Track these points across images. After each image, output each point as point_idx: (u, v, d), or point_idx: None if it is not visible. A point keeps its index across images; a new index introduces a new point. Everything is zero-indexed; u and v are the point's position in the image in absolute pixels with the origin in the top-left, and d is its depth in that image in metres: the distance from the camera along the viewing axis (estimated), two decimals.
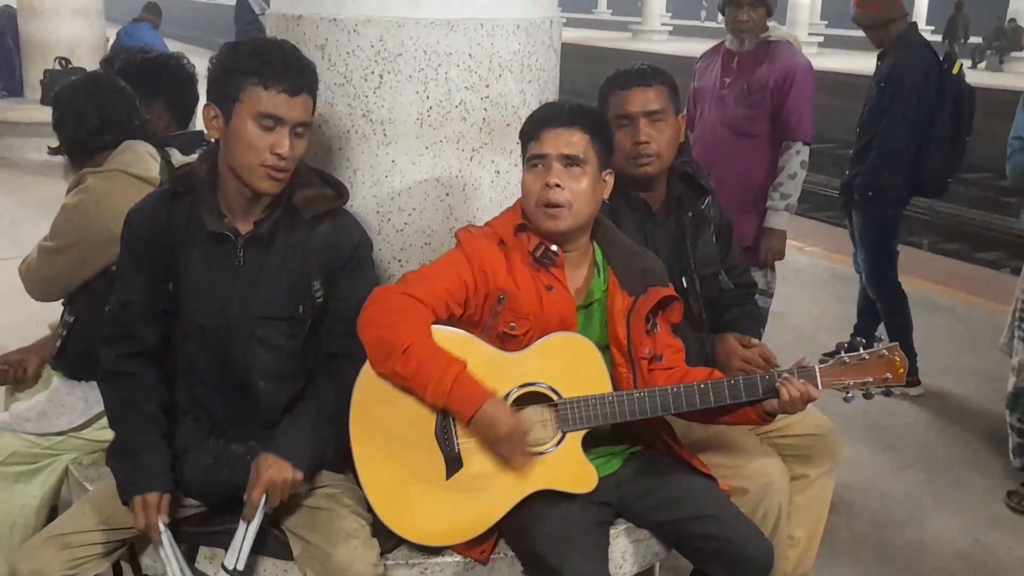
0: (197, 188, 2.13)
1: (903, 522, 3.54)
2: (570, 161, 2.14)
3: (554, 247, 2.17)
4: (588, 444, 2.15)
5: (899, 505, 3.66)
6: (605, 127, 2.24)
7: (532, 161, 2.17)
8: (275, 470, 2.03)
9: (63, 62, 8.54)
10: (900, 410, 4.41)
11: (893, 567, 3.27)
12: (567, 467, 2.12)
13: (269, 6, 2.62)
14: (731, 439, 2.49)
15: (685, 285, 2.57)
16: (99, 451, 2.54)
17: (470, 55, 2.36)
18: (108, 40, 9.62)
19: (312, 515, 2.12)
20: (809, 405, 2.58)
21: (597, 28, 32.83)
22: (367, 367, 2.11)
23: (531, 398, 2.14)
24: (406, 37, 2.32)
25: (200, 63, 2.77)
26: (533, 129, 2.18)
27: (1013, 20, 21.17)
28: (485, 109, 2.40)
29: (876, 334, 4.69)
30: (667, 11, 29.62)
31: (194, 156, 2.65)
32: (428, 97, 2.35)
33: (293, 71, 2.04)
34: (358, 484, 2.15)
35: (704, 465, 2.28)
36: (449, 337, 2.10)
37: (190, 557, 2.18)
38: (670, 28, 28.23)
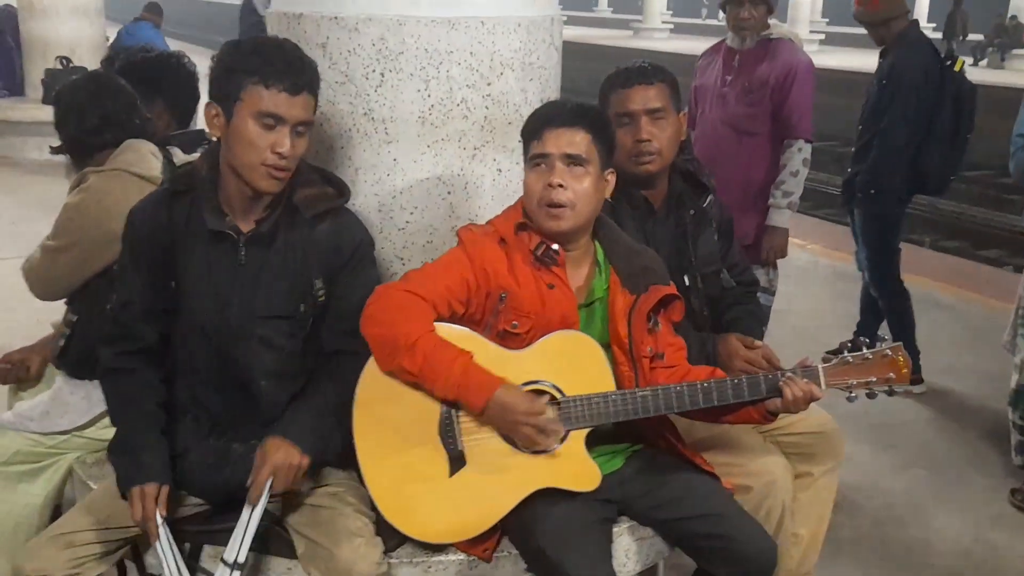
0: (198, 187, 2.13)
1: (905, 520, 3.54)
2: (573, 161, 2.14)
3: (555, 246, 2.16)
4: (591, 442, 2.15)
5: (901, 503, 3.65)
6: (607, 126, 2.24)
7: (534, 160, 2.16)
8: (282, 454, 2.03)
9: (64, 61, 8.55)
10: (902, 408, 4.41)
11: (895, 565, 3.27)
12: (570, 465, 2.12)
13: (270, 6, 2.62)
14: (734, 437, 2.49)
15: (687, 283, 2.57)
16: (102, 450, 2.53)
17: (471, 53, 2.36)
18: (108, 39, 9.62)
19: (316, 513, 2.12)
20: (813, 404, 2.59)
21: (598, 26, 32.82)
22: (370, 365, 2.12)
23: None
24: (407, 35, 2.32)
25: (201, 62, 2.77)
26: (535, 128, 2.17)
27: (1015, 17, 21.15)
28: (486, 107, 2.40)
29: (879, 332, 4.70)
30: (668, 9, 29.62)
31: (196, 155, 2.65)
32: (430, 95, 2.35)
33: (294, 70, 2.04)
34: (361, 482, 2.15)
35: (707, 463, 2.28)
36: (452, 334, 2.10)
37: (194, 556, 2.18)
38: (671, 26, 28.22)
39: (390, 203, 2.41)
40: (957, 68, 4.41)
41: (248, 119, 2.02)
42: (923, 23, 22.77)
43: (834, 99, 11.78)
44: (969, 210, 10.74)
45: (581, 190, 2.14)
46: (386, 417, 2.13)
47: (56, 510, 2.57)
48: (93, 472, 2.49)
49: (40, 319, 2.94)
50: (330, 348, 2.18)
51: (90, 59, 8.31)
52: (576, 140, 2.14)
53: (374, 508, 2.13)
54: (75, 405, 2.55)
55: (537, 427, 2.06)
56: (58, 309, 2.70)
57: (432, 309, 2.10)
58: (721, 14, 4.19)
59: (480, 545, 2.14)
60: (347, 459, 2.18)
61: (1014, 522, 3.55)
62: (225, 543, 2.04)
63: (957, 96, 4.40)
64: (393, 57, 2.32)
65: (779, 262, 4.07)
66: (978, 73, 14.92)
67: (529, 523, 2.08)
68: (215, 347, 2.14)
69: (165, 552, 2.03)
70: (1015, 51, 20.50)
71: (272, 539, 2.15)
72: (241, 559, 2.00)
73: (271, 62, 2.02)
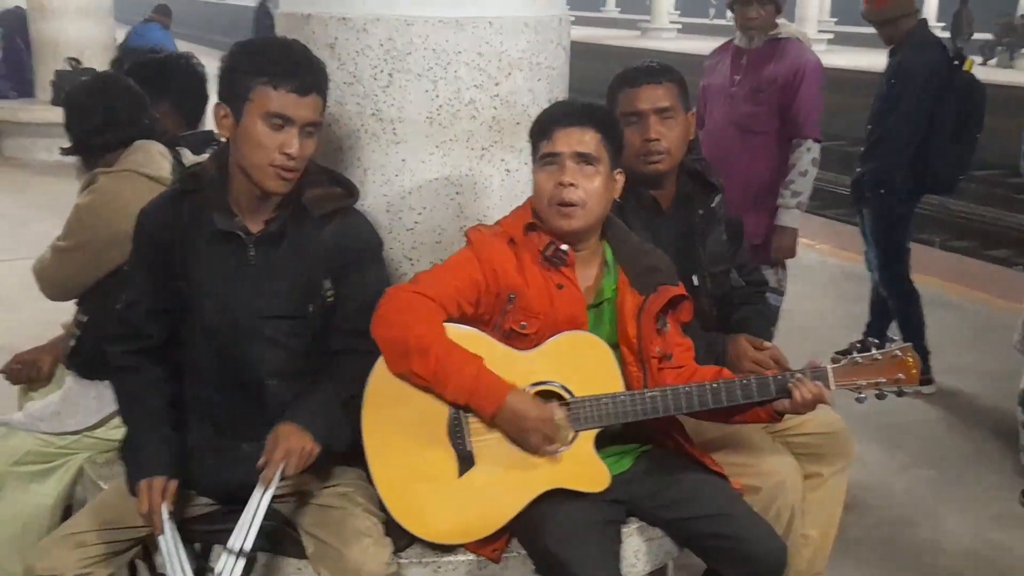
0: (207, 187, 2.14)
1: (914, 520, 3.53)
2: (583, 159, 2.14)
3: (564, 246, 2.16)
4: (599, 443, 2.15)
5: (910, 503, 3.65)
6: (615, 125, 2.24)
7: (545, 160, 2.16)
8: (295, 439, 2.02)
9: (73, 63, 8.58)
10: (910, 408, 4.39)
11: (904, 565, 3.26)
12: (579, 466, 2.12)
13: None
14: (743, 438, 2.49)
15: (695, 283, 2.56)
16: (113, 450, 2.55)
17: (479, 53, 2.36)
18: (117, 40, 9.66)
19: (325, 514, 2.12)
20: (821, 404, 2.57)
21: (605, 26, 32.78)
22: (379, 366, 2.12)
23: (543, 397, 2.13)
24: (415, 36, 2.32)
25: (209, 63, 2.78)
26: (545, 127, 2.17)
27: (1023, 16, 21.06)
28: (495, 107, 2.40)
29: (888, 332, 4.68)
30: (676, 9, 29.53)
31: (205, 155, 2.65)
32: (437, 96, 2.35)
33: (302, 71, 2.05)
34: (371, 483, 2.15)
35: (716, 463, 2.27)
36: (461, 335, 2.11)
37: (203, 556, 2.19)
38: (679, 26, 28.16)
39: (398, 203, 2.41)
40: (966, 67, 4.40)
41: (257, 120, 2.02)
42: (932, 22, 22.67)
43: (842, 98, 11.75)
44: (978, 210, 10.70)
45: (592, 189, 2.14)
46: (395, 417, 2.13)
47: (67, 510, 2.58)
48: (103, 472, 2.50)
49: (50, 320, 2.95)
50: (337, 347, 2.19)
51: (99, 60, 8.33)
52: (586, 139, 2.14)
53: (383, 508, 2.13)
54: (85, 405, 2.56)
55: (546, 434, 2.07)
56: (68, 309, 2.71)
57: (442, 311, 2.10)
58: (729, 14, 4.19)
59: (489, 545, 2.14)
60: (355, 458, 2.18)
61: (1023, 522, 3.54)
62: None
63: (966, 95, 4.39)
64: (401, 58, 2.33)
65: (788, 262, 4.06)
66: (987, 72, 14.86)
67: (538, 523, 2.08)
68: (223, 347, 2.15)
69: (169, 546, 2.03)
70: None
71: (282, 539, 2.15)
72: (248, 547, 1.98)
73: (280, 63, 2.03)
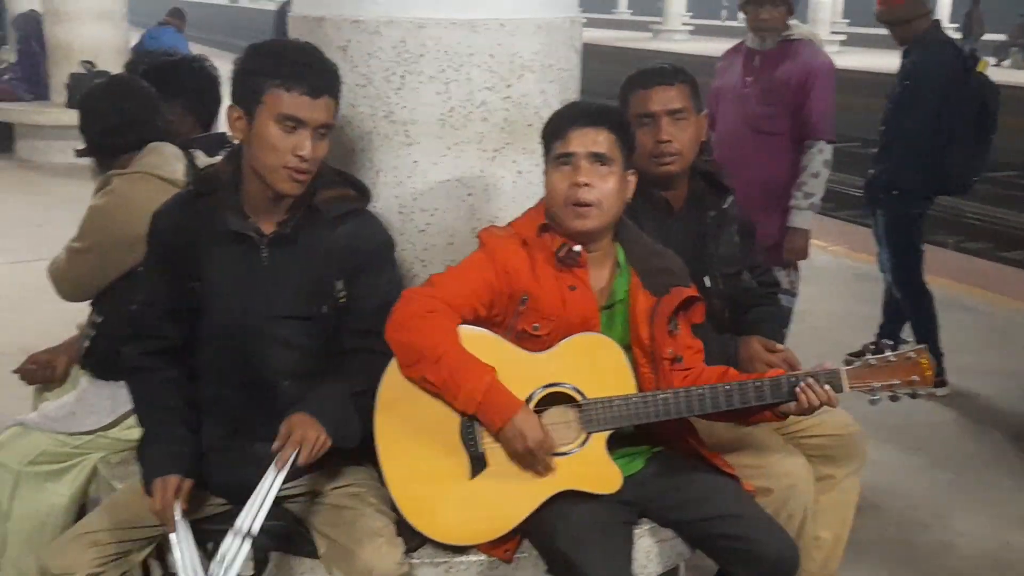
0: (221, 189, 2.15)
1: (929, 523, 3.51)
2: (598, 160, 2.14)
3: (577, 247, 2.16)
4: (611, 444, 2.15)
5: (925, 506, 3.63)
6: (628, 126, 2.25)
7: (559, 160, 2.16)
8: (310, 428, 2.02)
9: (88, 65, 8.62)
10: (925, 410, 4.37)
11: (919, 568, 3.25)
12: (592, 467, 2.12)
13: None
14: (756, 439, 2.48)
15: (707, 284, 2.56)
16: (127, 450, 2.56)
17: (491, 55, 2.36)
18: (130, 43, 9.71)
19: (337, 514, 2.13)
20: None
21: (617, 28, 32.75)
22: (392, 368, 2.12)
23: (555, 398, 2.14)
24: (427, 38, 2.32)
25: (223, 66, 2.79)
26: (559, 128, 2.17)
27: None
28: (506, 109, 2.40)
29: (902, 334, 4.66)
30: (687, 10, 29.45)
31: (218, 157, 2.67)
32: (450, 98, 2.35)
33: (315, 73, 2.05)
34: (382, 483, 2.16)
35: (728, 465, 2.27)
36: (474, 336, 2.11)
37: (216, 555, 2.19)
38: (691, 28, 28.10)
39: (410, 205, 2.41)
40: (980, 68, 4.38)
41: (269, 122, 2.03)
42: (945, 23, 22.58)
43: (855, 100, 11.71)
44: (992, 211, 10.64)
45: (607, 189, 2.14)
46: (407, 419, 2.13)
47: (81, 510, 2.59)
48: (118, 472, 2.51)
49: (65, 320, 2.97)
50: (349, 347, 2.19)
51: (113, 63, 8.36)
52: (600, 139, 2.14)
53: (395, 508, 2.14)
54: (100, 406, 2.57)
55: (539, 462, 2.07)
56: (83, 310, 2.73)
57: (458, 316, 2.11)
58: (741, 15, 4.18)
59: (501, 546, 2.14)
60: (365, 458, 2.19)
61: None
62: (254, 543, 2.04)
63: (980, 96, 4.37)
64: (413, 60, 2.33)
65: (800, 263, 4.05)
66: (1001, 73, 14.78)
67: (549, 524, 2.08)
68: (237, 348, 2.15)
69: (181, 545, 2.03)
70: None
71: (294, 539, 2.16)
72: (255, 529, 1.97)
73: (292, 65, 2.04)
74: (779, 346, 2.54)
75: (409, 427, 2.13)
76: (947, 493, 3.73)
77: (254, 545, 2.08)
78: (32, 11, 10.50)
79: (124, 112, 2.64)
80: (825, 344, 4.47)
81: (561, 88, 2.50)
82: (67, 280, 2.64)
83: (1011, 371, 4.76)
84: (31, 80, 10.05)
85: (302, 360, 2.17)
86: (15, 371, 2.83)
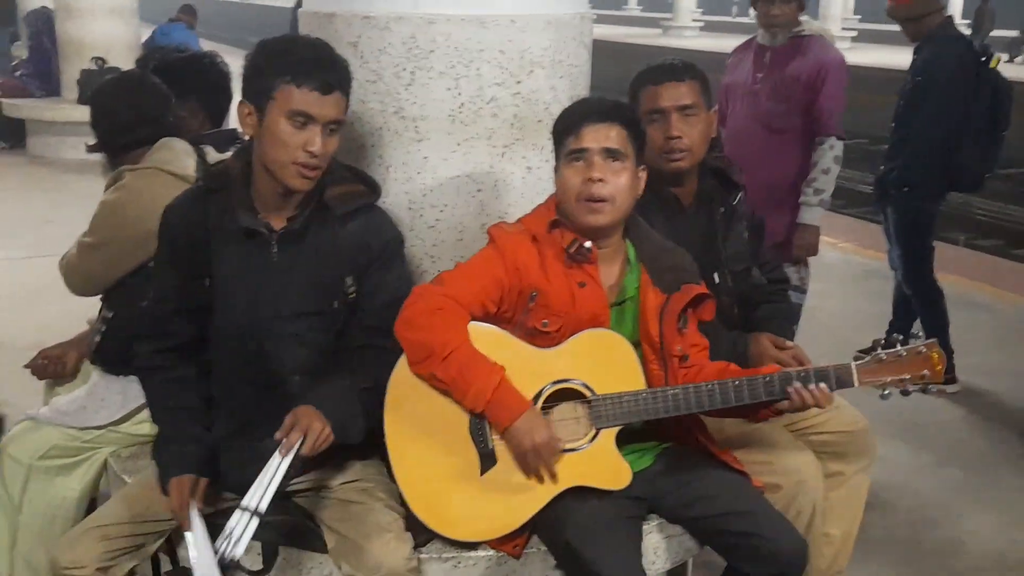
0: (231, 185, 2.15)
1: (938, 520, 3.50)
2: (611, 156, 2.14)
3: (588, 243, 2.16)
4: (620, 440, 2.15)
5: (934, 503, 3.62)
6: (639, 122, 2.25)
7: (572, 156, 2.16)
8: (315, 420, 2.01)
9: (99, 62, 8.65)
10: (935, 408, 4.36)
11: (928, 566, 3.24)
12: (601, 464, 2.12)
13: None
14: (764, 435, 2.48)
15: (716, 281, 2.56)
16: (137, 444, 2.58)
17: (501, 51, 2.36)
18: (141, 40, 9.74)
19: (346, 509, 2.14)
20: (844, 402, 2.56)
21: (627, 24, 32.70)
22: (402, 363, 2.13)
23: (564, 395, 2.14)
24: (438, 34, 2.32)
25: (234, 62, 2.80)
26: (572, 124, 2.17)
27: None
28: (516, 105, 2.40)
29: (912, 331, 4.64)
30: (698, 7, 29.39)
31: (229, 153, 2.67)
32: (460, 94, 2.36)
33: (325, 69, 2.05)
34: (391, 478, 2.16)
35: (737, 461, 2.27)
36: (484, 333, 2.11)
37: None
38: (701, 24, 28.06)
39: (420, 201, 2.42)
40: (992, 64, 4.36)
41: (280, 118, 2.04)
42: (957, 20, 22.45)
43: (866, 96, 11.66)
44: (1003, 208, 10.59)
45: (620, 184, 2.14)
46: (417, 415, 2.14)
47: (91, 504, 2.60)
48: (128, 466, 2.52)
49: (76, 315, 2.99)
50: (357, 343, 2.19)
51: (124, 60, 8.40)
52: (612, 135, 2.14)
53: (404, 504, 2.14)
54: (111, 400, 2.58)
55: (545, 462, 2.08)
56: (94, 306, 2.74)
57: (467, 313, 2.11)
58: (752, 11, 4.17)
59: (510, 541, 2.14)
60: (373, 453, 2.19)
61: None
62: (258, 537, 2.06)
63: (992, 93, 4.35)
64: (424, 55, 2.33)
65: (810, 260, 4.04)
66: (1013, 70, 14.71)
67: (559, 520, 2.08)
68: (248, 343, 2.16)
69: (198, 543, 2.04)
70: None
71: (303, 534, 2.16)
72: (263, 508, 1.97)
73: (303, 62, 2.04)
74: (788, 343, 2.54)
75: (419, 423, 2.14)
76: (956, 491, 3.72)
77: (263, 540, 2.09)
78: (44, 7, 10.55)
79: (135, 108, 2.65)
80: (834, 340, 4.46)
81: (571, 84, 2.50)
82: (78, 275, 2.65)
83: (1021, 369, 4.75)
84: (42, 76, 10.10)
85: (312, 356, 2.17)
86: (26, 366, 2.85)
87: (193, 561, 2.03)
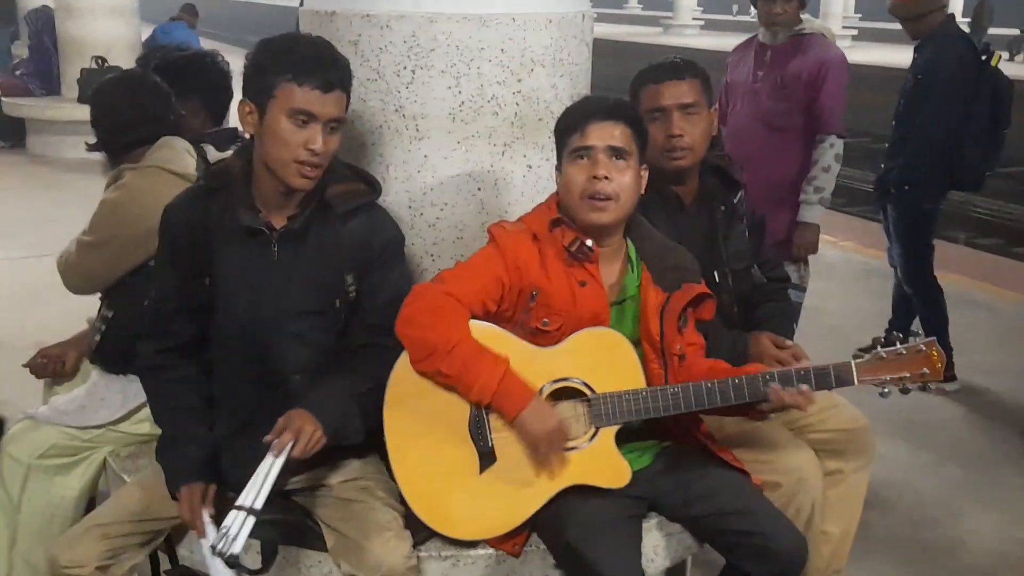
0: (232, 184, 2.15)
1: (938, 519, 3.50)
2: (615, 153, 2.14)
3: (589, 242, 2.16)
4: (620, 439, 2.15)
5: (934, 502, 3.62)
6: (641, 121, 2.25)
7: (576, 154, 2.16)
8: (307, 423, 2.01)
9: (100, 61, 8.65)
10: (935, 406, 4.36)
11: (928, 564, 3.24)
12: (600, 462, 2.13)
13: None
14: (764, 434, 2.48)
15: (717, 279, 2.56)
16: (136, 444, 2.58)
17: (502, 50, 2.36)
18: (142, 39, 9.74)
19: (346, 507, 2.14)
20: (844, 400, 2.56)
21: (628, 23, 32.68)
22: (402, 362, 2.13)
23: (564, 393, 2.14)
24: (438, 32, 2.32)
25: (234, 61, 2.80)
26: (576, 121, 2.17)
27: None
28: (517, 104, 2.40)
29: (912, 329, 4.65)
30: (698, 6, 29.36)
31: (229, 152, 2.67)
32: (460, 92, 2.36)
33: (326, 67, 2.05)
34: (391, 476, 2.16)
35: (737, 459, 2.27)
36: (484, 332, 2.11)
37: None
38: (701, 23, 28.03)
39: (420, 199, 2.42)
40: (993, 63, 4.35)
41: (281, 116, 2.04)
42: (958, 18, 22.44)
43: (867, 95, 11.66)
44: (1004, 206, 10.58)
45: (624, 182, 2.14)
46: (416, 414, 2.14)
47: (90, 503, 2.61)
48: (127, 465, 2.52)
49: (76, 314, 2.99)
50: (359, 342, 2.19)
51: (125, 59, 8.40)
52: (617, 133, 2.15)
53: (404, 502, 2.14)
54: (110, 400, 2.58)
55: (556, 447, 2.08)
56: (93, 304, 2.74)
57: (468, 311, 2.11)
58: (752, 11, 4.17)
59: (509, 540, 2.14)
60: (373, 450, 2.19)
61: None
62: (260, 536, 2.06)
63: (993, 91, 4.34)
64: (424, 54, 2.33)
65: (811, 258, 4.04)
66: (1014, 68, 14.70)
67: (558, 518, 2.08)
68: (249, 342, 2.16)
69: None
70: None
71: (303, 533, 2.16)
72: (258, 506, 1.96)
73: (304, 60, 2.04)
74: (788, 342, 2.54)
75: (418, 422, 2.14)
76: (956, 489, 3.72)
77: (262, 538, 2.09)
78: (44, 6, 10.54)
79: (136, 107, 2.65)
80: (835, 339, 4.46)
81: (572, 83, 2.50)
82: (77, 273, 2.65)
83: (1021, 368, 4.75)
84: (43, 75, 10.10)
85: (313, 355, 2.17)
86: (25, 365, 2.85)
87: (208, 565, 2.03)
